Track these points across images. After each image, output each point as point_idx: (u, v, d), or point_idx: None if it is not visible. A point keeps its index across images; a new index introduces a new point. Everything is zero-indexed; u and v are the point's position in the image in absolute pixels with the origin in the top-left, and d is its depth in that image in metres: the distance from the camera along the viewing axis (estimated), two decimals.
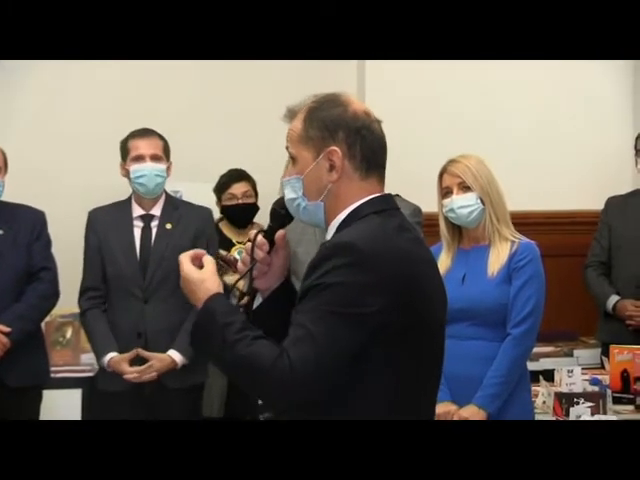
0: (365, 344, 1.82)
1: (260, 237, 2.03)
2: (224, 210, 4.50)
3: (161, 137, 3.81)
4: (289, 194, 2.00)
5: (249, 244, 2.03)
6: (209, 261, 1.99)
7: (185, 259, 1.99)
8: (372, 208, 1.93)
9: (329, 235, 1.97)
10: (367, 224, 1.90)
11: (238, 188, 4.47)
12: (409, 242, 1.93)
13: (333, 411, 1.86)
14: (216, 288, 1.94)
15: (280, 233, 2.04)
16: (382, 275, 1.82)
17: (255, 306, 2.08)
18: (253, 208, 4.51)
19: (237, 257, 4.37)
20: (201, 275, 1.96)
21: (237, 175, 4.50)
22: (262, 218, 4.53)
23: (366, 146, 1.94)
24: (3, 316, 3.70)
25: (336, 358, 1.80)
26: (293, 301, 2.02)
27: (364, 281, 1.81)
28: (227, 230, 4.49)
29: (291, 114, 2.02)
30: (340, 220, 1.95)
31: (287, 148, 2.01)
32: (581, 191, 4.90)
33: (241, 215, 4.49)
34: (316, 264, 1.86)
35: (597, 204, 4.65)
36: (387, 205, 1.97)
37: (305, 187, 1.97)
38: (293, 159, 1.99)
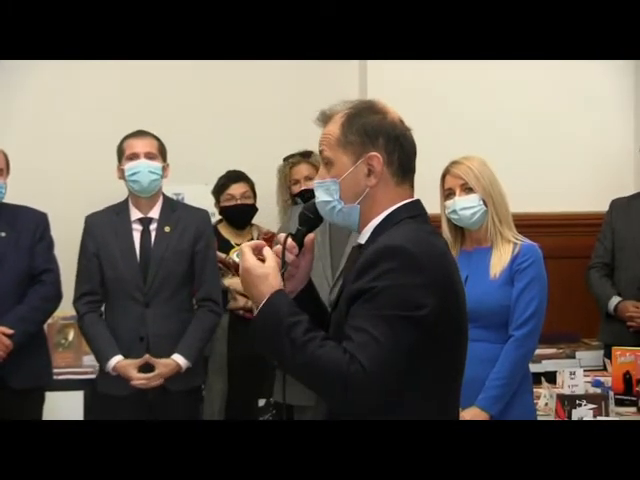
0: (423, 343, 1.86)
1: (290, 240, 2.05)
2: (223, 211, 4.50)
3: (156, 138, 3.80)
4: (322, 196, 2.03)
5: (279, 247, 2.04)
6: (271, 255, 1.99)
7: (247, 250, 2.00)
8: (407, 213, 1.99)
9: (363, 239, 2.02)
10: (407, 228, 1.96)
11: (237, 189, 4.47)
12: (443, 246, 2.01)
13: (393, 411, 1.88)
14: (279, 284, 1.96)
15: (310, 237, 2.08)
16: (432, 276, 1.87)
17: None
18: (252, 209, 4.51)
19: (236, 259, 4.36)
20: (265, 270, 1.96)
21: (235, 176, 4.50)
22: (261, 219, 4.54)
23: (403, 153, 2.00)
24: (6, 318, 3.70)
25: (402, 359, 1.84)
26: (317, 304, 2.10)
27: (416, 282, 1.86)
28: (226, 232, 4.49)
29: (325, 118, 2.06)
30: (375, 224, 2.00)
31: (321, 152, 2.04)
32: (583, 193, 4.89)
33: (240, 216, 4.49)
34: (365, 268, 1.89)
35: (599, 206, 4.65)
36: (420, 210, 2.03)
37: (342, 190, 2.01)
38: (328, 162, 2.03)
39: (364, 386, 1.81)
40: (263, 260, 1.98)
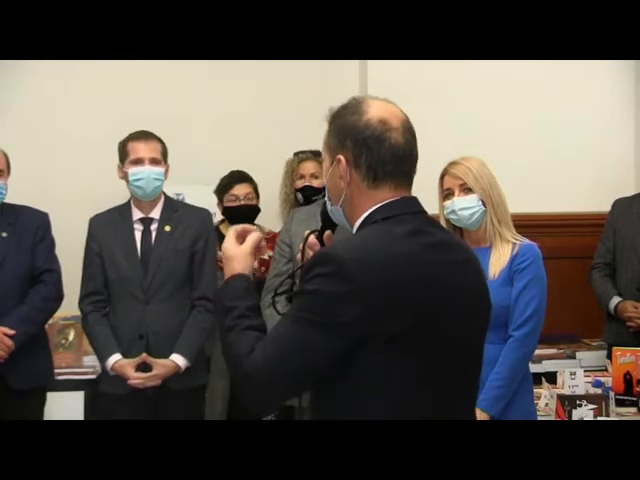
0: (347, 350, 1.82)
1: (312, 237, 2.06)
2: (226, 211, 4.50)
3: (160, 140, 3.81)
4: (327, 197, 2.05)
5: (301, 244, 2.06)
6: (250, 239, 2.04)
7: (232, 232, 2.06)
8: (381, 215, 1.93)
9: None
10: (365, 232, 1.92)
11: (240, 189, 4.47)
12: (422, 247, 1.90)
13: (333, 412, 1.87)
14: (240, 269, 2.00)
15: (327, 234, 2.07)
16: (360, 285, 1.81)
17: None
18: (255, 210, 4.51)
19: None
20: (233, 252, 2.02)
21: (239, 176, 4.50)
22: (262, 219, 4.54)
23: (372, 157, 1.93)
24: (7, 319, 3.70)
25: (303, 362, 1.83)
26: None
27: (339, 291, 1.81)
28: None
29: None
30: (356, 227, 1.97)
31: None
32: (583, 193, 4.89)
33: (243, 216, 4.48)
34: (304, 272, 1.90)
35: (599, 206, 4.65)
36: (399, 210, 1.94)
37: (328, 192, 2.02)
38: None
39: (253, 379, 1.84)
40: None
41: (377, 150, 1.93)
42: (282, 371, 1.83)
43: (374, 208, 1.94)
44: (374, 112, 1.95)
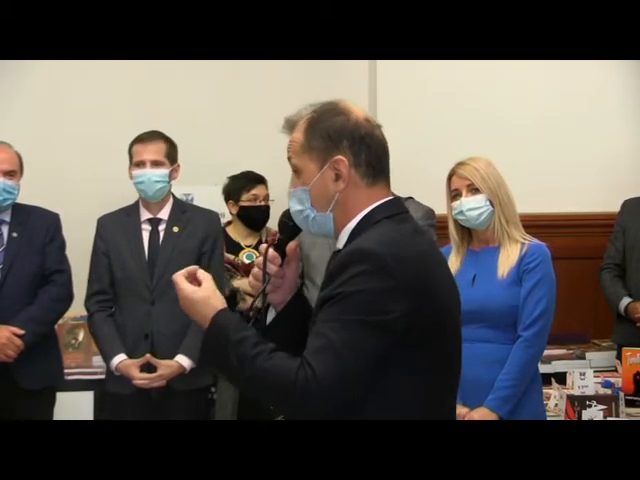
0: (390, 349, 1.81)
1: (271, 251, 2.00)
2: (243, 211, 4.48)
3: (166, 140, 3.81)
4: (295, 206, 1.98)
5: (260, 259, 1.99)
6: (207, 277, 1.95)
7: (181, 279, 1.95)
8: (384, 213, 1.93)
9: (340, 244, 1.96)
10: (383, 229, 1.90)
11: (260, 190, 4.49)
12: (424, 245, 1.93)
13: (359, 412, 1.85)
14: (221, 304, 1.92)
15: (292, 245, 2.03)
16: (402, 280, 1.81)
17: (269, 321, 2.05)
18: (268, 211, 4.52)
19: (245, 261, 4.38)
20: (204, 292, 1.92)
21: (257, 177, 4.51)
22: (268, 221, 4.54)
23: (371, 153, 1.93)
24: (16, 319, 3.71)
25: (359, 366, 1.80)
26: (307, 313, 2.02)
27: (384, 287, 1.80)
28: (235, 234, 4.48)
29: (290, 125, 1.99)
30: (351, 228, 1.94)
31: (289, 159, 1.98)
32: (592, 193, 4.88)
33: (261, 217, 4.50)
34: (334, 273, 1.85)
35: (608, 206, 4.64)
36: (398, 209, 1.96)
37: (312, 198, 1.95)
38: (297, 170, 1.97)
39: (313, 392, 1.77)
40: (200, 284, 1.94)
41: (374, 147, 1.94)
42: (343, 378, 1.78)
43: (373, 206, 1.93)
44: (356, 111, 1.96)
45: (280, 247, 2.01)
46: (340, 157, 1.91)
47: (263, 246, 2.02)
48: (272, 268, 1.99)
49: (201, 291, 1.93)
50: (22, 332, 3.69)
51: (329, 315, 1.82)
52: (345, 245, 1.93)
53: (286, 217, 2.03)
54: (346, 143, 1.92)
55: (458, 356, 1.97)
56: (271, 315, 2.06)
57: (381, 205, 1.94)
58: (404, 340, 1.81)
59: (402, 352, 1.82)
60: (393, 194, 1.99)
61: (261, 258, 1.99)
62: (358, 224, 1.93)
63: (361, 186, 1.93)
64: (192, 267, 1.98)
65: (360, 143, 1.92)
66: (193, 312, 1.93)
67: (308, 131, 1.94)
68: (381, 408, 1.85)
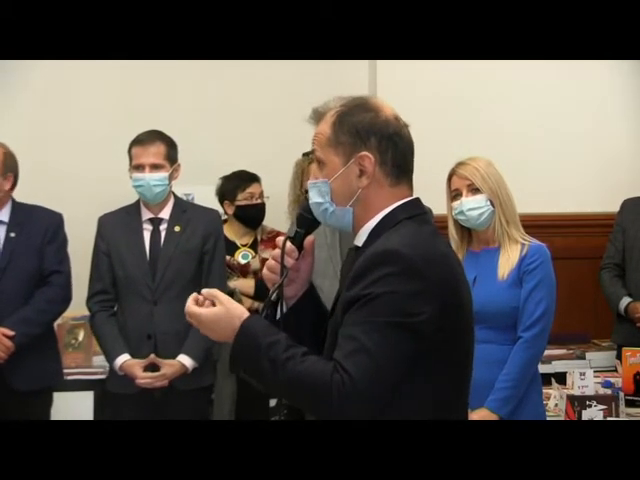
0: (420, 350, 1.81)
1: (289, 244, 1.99)
2: (240, 210, 4.48)
3: (165, 140, 3.79)
4: (315, 197, 1.97)
5: (277, 251, 1.98)
6: (218, 292, 1.92)
7: (193, 308, 1.91)
8: (405, 213, 1.92)
9: (359, 241, 1.96)
10: (405, 230, 1.89)
11: (255, 187, 4.49)
12: (443, 247, 1.94)
13: (381, 413, 1.84)
14: (245, 312, 1.89)
15: (309, 239, 2.02)
16: (431, 281, 1.81)
17: (280, 315, 2.03)
18: (264, 209, 4.52)
19: (241, 261, 4.38)
20: (222, 307, 1.89)
21: (250, 176, 4.51)
22: (267, 219, 4.54)
23: (398, 152, 1.92)
24: (8, 320, 3.69)
25: (393, 368, 1.80)
26: (318, 308, 2.03)
27: (414, 289, 1.80)
28: (231, 233, 4.47)
29: (317, 116, 1.98)
30: (372, 226, 1.93)
31: (314, 151, 1.97)
32: (592, 193, 4.88)
33: (258, 214, 4.50)
34: (360, 273, 1.84)
35: (608, 206, 4.64)
36: (419, 210, 1.95)
37: (333, 191, 1.94)
38: (320, 162, 1.96)
39: (349, 394, 1.76)
40: (213, 303, 1.91)
41: (401, 146, 1.93)
42: (378, 380, 1.78)
43: (395, 206, 1.93)
44: (386, 109, 1.95)
45: (298, 240, 2.01)
46: (366, 153, 1.91)
47: (280, 238, 2.01)
48: (289, 261, 1.99)
49: (219, 308, 1.90)
50: (12, 333, 3.66)
51: (359, 317, 1.81)
52: (365, 243, 1.93)
53: (305, 210, 2.02)
54: (374, 140, 1.91)
55: (472, 356, 1.98)
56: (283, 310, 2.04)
57: (403, 205, 1.93)
58: (431, 341, 1.81)
59: (428, 353, 1.82)
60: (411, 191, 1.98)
61: (278, 251, 1.98)
62: (379, 223, 1.92)
63: (384, 184, 1.92)
64: (194, 295, 1.94)
65: (388, 141, 1.91)
66: (219, 331, 1.90)
67: (336, 125, 1.93)
68: (401, 409, 1.84)
